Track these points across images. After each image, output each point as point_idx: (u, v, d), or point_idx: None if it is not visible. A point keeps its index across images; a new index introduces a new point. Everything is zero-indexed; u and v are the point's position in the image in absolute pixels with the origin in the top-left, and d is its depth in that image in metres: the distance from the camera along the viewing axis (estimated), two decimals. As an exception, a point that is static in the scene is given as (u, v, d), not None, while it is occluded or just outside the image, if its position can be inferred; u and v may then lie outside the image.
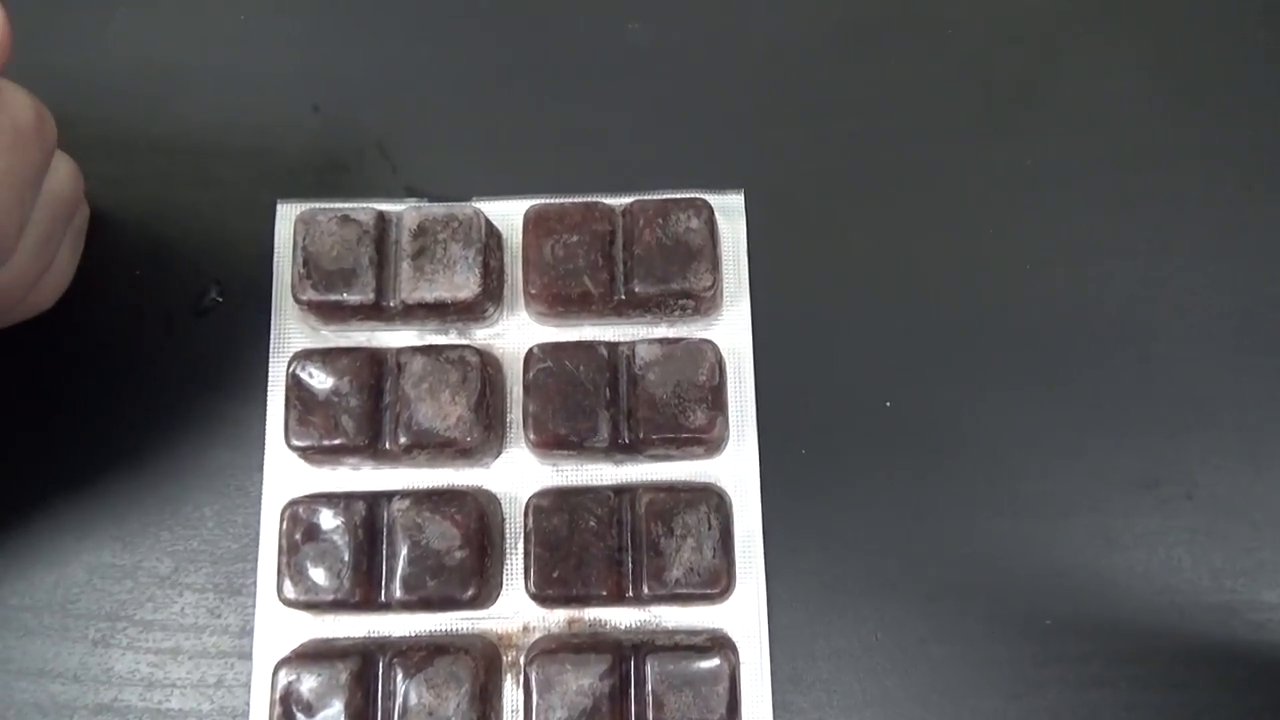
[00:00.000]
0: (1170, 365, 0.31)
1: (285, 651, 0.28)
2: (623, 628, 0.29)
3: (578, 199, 0.31)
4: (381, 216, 0.30)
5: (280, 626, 0.29)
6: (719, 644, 0.28)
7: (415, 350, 0.29)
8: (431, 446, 0.29)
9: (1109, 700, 0.29)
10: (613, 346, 0.30)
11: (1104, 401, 0.31)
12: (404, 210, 0.31)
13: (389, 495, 0.29)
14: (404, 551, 0.28)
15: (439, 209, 0.30)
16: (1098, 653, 0.30)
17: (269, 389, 0.31)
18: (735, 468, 0.30)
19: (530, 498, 0.29)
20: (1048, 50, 0.34)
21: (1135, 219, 0.33)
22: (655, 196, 0.31)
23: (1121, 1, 0.34)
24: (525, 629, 0.29)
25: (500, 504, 0.30)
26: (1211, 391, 0.31)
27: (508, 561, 0.30)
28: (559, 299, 0.30)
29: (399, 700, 0.27)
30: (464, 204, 0.31)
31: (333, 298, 0.30)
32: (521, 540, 0.29)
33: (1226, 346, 0.32)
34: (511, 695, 0.29)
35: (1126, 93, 0.34)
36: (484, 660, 0.28)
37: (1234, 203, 0.33)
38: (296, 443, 0.29)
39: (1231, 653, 0.30)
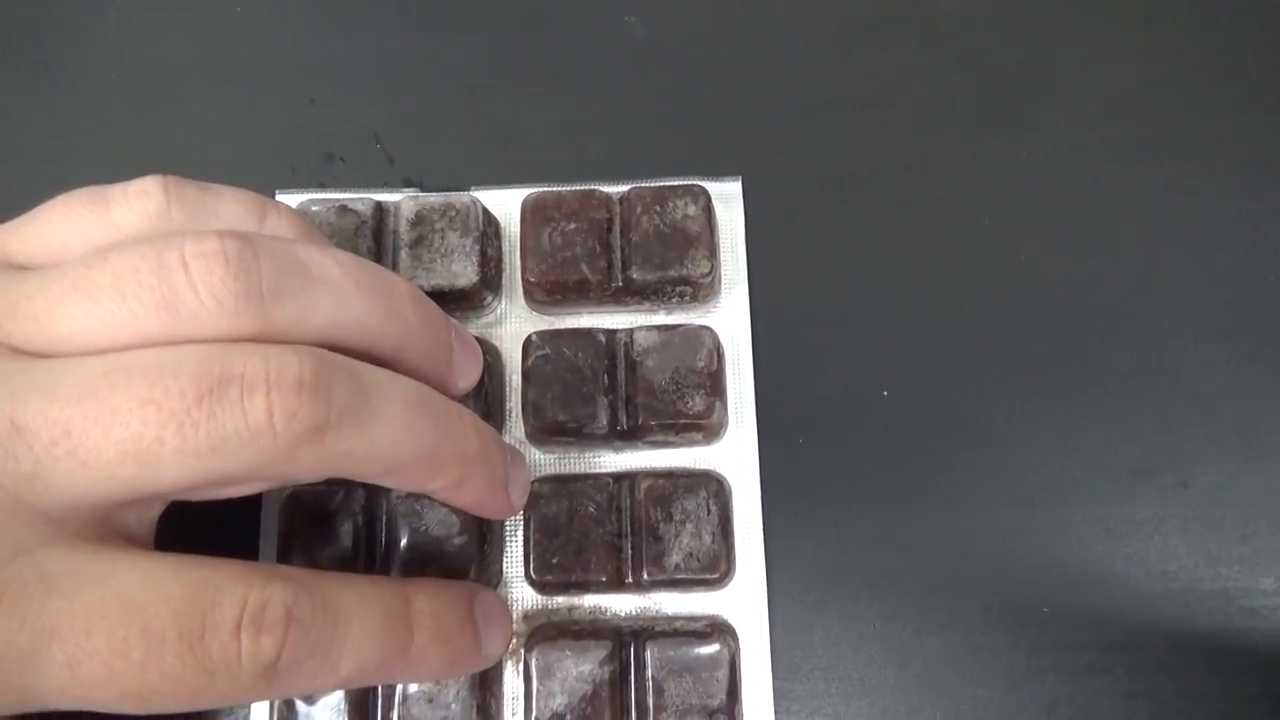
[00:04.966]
0: (1166, 355, 0.31)
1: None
2: (622, 614, 0.29)
3: (576, 187, 0.31)
4: (379, 206, 0.30)
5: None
6: (719, 630, 0.28)
7: (414, 338, 0.29)
8: (430, 434, 0.29)
9: (1106, 688, 0.29)
10: (611, 334, 0.30)
11: (1101, 391, 0.31)
12: (401, 200, 0.31)
13: (388, 483, 0.29)
14: (403, 539, 0.28)
15: (436, 198, 0.30)
16: (1094, 641, 0.30)
17: (267, 378, 0.31)
18: (734, 454, 0.30)
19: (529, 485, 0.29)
20: (1045, 42, 0.34)
21: (1132, 210, 0.33)
22: (653, 184, 0.31)
23: (1116, -6, 0.35)
24: (524, 616, 0.29)
25: (499, 492, 0.30)
26: (1207, 381, 0.31)
27: (507, 549, 0.30)
28: (557, 286, 0.30)
29: (399, 687, 0.27)
30: (461, 193, 0.31)
31: (331, 286, 0.29)
32: (520, 527, 0.29)
33: (1222, 336, 0.32)
34: (512, 682, 0.29)
35: (1124, 85, 0.34)
36: (483, 647, 0.28)
37: (1230, 194, 0.33)
38: (295, 430, 0.29)
39: (1227, 640, 0.30)
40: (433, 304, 0.26)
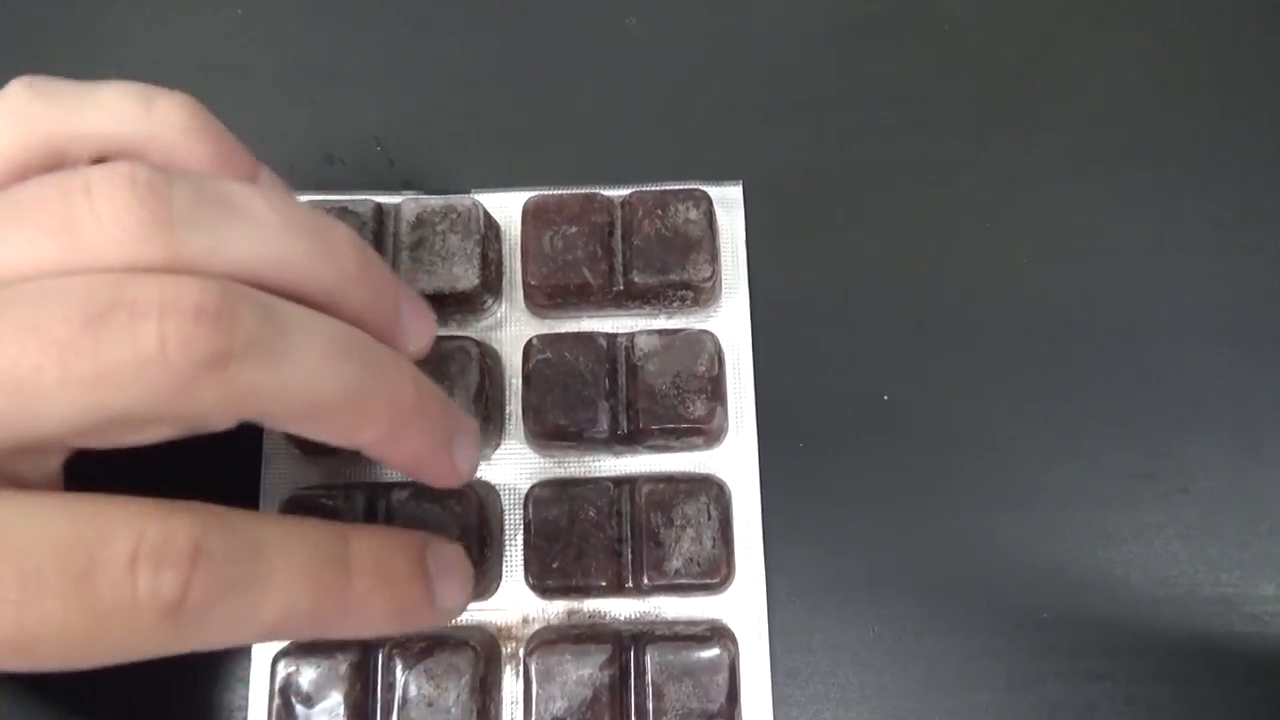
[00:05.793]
0: (1168, 359, 0.31)
1: (284, 643, 0.28)
2: (622, 619, 0.29)
3: (577, 190, 0.31)
4: (379, 209, 0.30)
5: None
6: (719, 634, 0.28)
7: (414, 341, 0.29)
8: (430, 437, 0.29)
9: (1105, 693, 0.29)
10: (611, 337, 0.30)
11: (1101, 395, 0.31)
12: (402, 202, 0.30)
13: (388, 486, 0.29)
14: (403, 542, 0.28)
15: (437, 201, 0.30)
16: (1094, 646, 0.30)
17: (266, 381, 0.31)
18: (734, 459, 0.30)
19: (530, 489, 0.29)
20: (1046, 44, 0.34)
21: (1133, 213, 0.33)
22: (654, 188, 0.31)
23: (1118, -3, 0.35)
24: (525, 620, 0.29)
25: (499, 495, 0.30)
26: (1208, 385, 0.31)
27: (507, 553, 0.30)
28: (558, 290, 0.30)
29: (399, 691, 0.27)
30: (462, 196, 0.31)
31: (331, 289, 0.29)
32: (521, 531, 0.29)
33: (1224, 340, 0.32)
34: (511, 686, 0.29)
35: (1124, 87, 0.34)
36: (484, 651, 0.28)
37: (1231, 197, 0.33)
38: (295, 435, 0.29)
39: (1228, 646, 0.30)
40: (379, 258, 0.24)
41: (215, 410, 0.20)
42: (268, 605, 0.20)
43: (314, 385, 0.20)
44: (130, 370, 0.18)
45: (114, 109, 0.23)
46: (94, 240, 0.19)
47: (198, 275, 0.19)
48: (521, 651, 0.29)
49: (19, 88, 0.22)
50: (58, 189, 0.20)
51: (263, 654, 0.29)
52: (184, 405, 0.19)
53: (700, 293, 0.30)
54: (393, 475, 0.30)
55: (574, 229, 0.30)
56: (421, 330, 0.25)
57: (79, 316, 0.18)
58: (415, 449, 0.23)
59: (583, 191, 0.31)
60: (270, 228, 0.21)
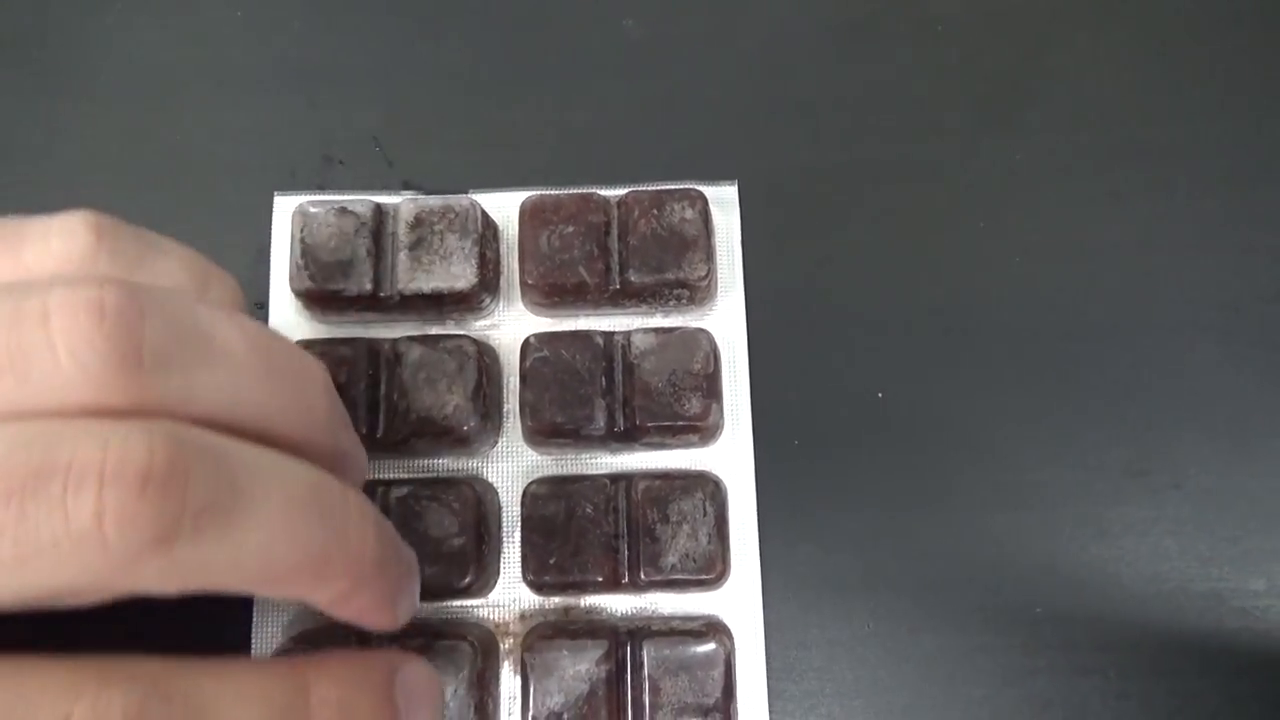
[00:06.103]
0: (1159, 357, 0.32)
1: (283, 639, 0.28)
2: (619, 614, 0.30)
3: (574, 190, 0.31)
4: (379, 209, 0.31)
5: (277, 615, 0.29)
6: (714, 629, 0.28)
7: (412, 340, 0.30)
8: (428, 435, 0.29)
9: (1098, 687, 0.29)
10: (608, 336, 0.30)
11: (1094, 392, 0.31)
12: (401, 202, 0.31)
13: (386, 484, 0.29)
14: (401, 539, 0.28)
15: (435, 201, 0.31)
16: (1087, 641, 0.30)
17: (266, 379, 0.31)
18: (730, 456, 0.31)
19: (527, 486, 0.29)
20: (1040, 46, 0.34)
21: (1126, 213, 0.33)
22: (650, 188, 0.31)
23: (1111, -2, 0.35)
24: (522, 616, 0.30)
25: (497, 493, 0.30)
26: (1200, 383, 0.32)
27: (504, 549, 0.30)
28: (555, 289, 0.30)
29: (396, 685, 0.27)
30: (460, 196, 0.31)
31: (330, 288, 0.30)
32: (518, 528, 0.29)
33: (1215, 338, 0.32)
34: (509, 681, 0.29)
35: (1118, 88, 0.34)
36: (481, 647, 0.28)
37: (1223, 197, 0.33)
38: (294, 431, 0.29)
39: (1218, 640, 0.30)
40: (339, 398, 0.23)
41: (156, 586, 0.17)
42: None
43: (268, 554, 0.18)
44: (60, 551, 0.16)
45: (169, 278, 0.21)
46: (46, 380, 0.17)
47: (147, 420, 0.17)
48: (519, 647, 0.29)
49: (85, 229, 0.20)
50: (11, 312, 0.17)
51: (262, 648, 0.29)
52: (120, 584, 0.17)
53: (696, 291, 0.30)
54: (390, 472, 0.30)
55: (571, 228, 0.30)
56: (363, 475, 0.25)
57: (1, 485, 0.16)
58: (364, 606, 0.21)
59: (579, 191, 0.31)
60: (247, 369, 0.19)
